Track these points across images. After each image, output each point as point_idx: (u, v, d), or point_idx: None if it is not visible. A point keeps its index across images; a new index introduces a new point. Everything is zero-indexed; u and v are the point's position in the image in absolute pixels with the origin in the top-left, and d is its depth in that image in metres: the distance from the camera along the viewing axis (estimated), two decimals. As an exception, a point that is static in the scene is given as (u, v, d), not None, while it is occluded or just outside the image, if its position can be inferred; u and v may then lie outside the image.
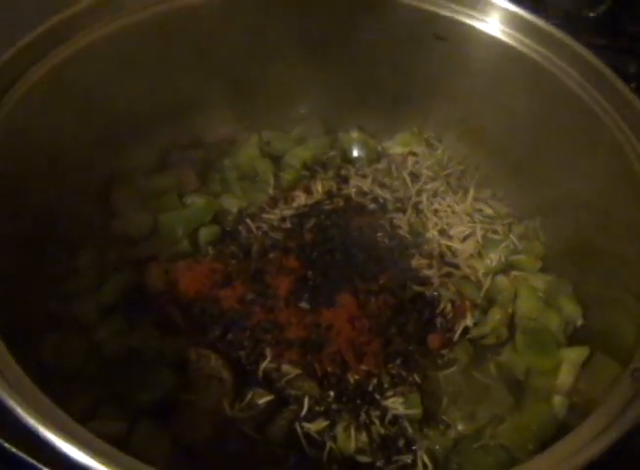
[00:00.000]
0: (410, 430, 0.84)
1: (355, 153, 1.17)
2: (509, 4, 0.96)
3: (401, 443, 0.84)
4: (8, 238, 0.81)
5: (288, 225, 0.99)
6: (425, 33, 1.04)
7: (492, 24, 0.98)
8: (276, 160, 1.13)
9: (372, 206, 1.03)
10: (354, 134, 1.18)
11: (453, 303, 0.94)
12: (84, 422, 0.78)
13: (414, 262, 0.97)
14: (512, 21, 0.97)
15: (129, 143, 1.07)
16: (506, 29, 0.97)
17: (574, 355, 0.90)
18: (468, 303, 0.95)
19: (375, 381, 0.86)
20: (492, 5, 0.98)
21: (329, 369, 0.85)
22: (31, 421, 0.58)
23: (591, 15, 1.12)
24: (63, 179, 0.96)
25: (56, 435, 0.58)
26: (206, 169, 1.11)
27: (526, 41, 0.96)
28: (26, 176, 0.87)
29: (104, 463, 0.57)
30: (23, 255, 0.85)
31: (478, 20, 0.99)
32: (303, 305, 0.89)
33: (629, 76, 0.86)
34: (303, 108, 1.20)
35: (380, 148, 1.18)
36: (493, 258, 1.01)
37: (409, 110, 1.17)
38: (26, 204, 0.86)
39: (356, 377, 0.86)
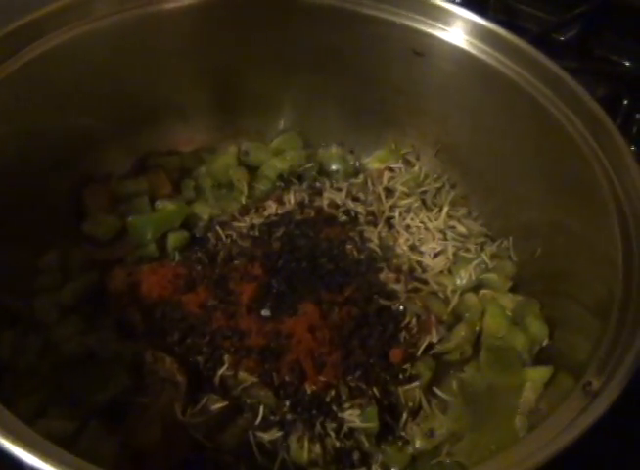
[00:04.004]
0: (366, 444, 0.82)
1: (333, 167, 1.16)
2: (485, 21, 0.97)
3: (356, 456, 0.82)
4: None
5: (256, 233, 0.99)
6: (403, 49, 1.04)
7: (465, 40, 0.98)
8: (252, 170, 1.13)
9: (343, 218, 1.02)
10: (333, 149, 1.18)
11: (419, 317, 0.93)
12: (33, 420, 0.78)
13: (382, 276, 0.96)
14: (487, 37, 0.97)
15: (106, 147, 1.08)
16: (482, 46, 0.97)
17: (538, 375, 0.88)
18: (434, 318, 0.93)
19: (333, 392, 0.84)
20: (467, 21, 0.98)
21: (286, 378, 0.83)
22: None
23: (561, 39, 1.15)
24: (35, 177, 0.96)
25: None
26: (182, 176, 1.11)
27: (503, 59, 0.95)
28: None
29: (49, 463, 0.55)
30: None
31: (451, 35, 0.99)
32: (265, 312, 0.88)
33: (598, 99, 0.87)
34: (284, 121, 1.20)
35: (358, 164, 1.18)
36: (463, 275, 1.00)
37: (389, 126, 1.16)
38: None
39: (314, 387, 0.84)
